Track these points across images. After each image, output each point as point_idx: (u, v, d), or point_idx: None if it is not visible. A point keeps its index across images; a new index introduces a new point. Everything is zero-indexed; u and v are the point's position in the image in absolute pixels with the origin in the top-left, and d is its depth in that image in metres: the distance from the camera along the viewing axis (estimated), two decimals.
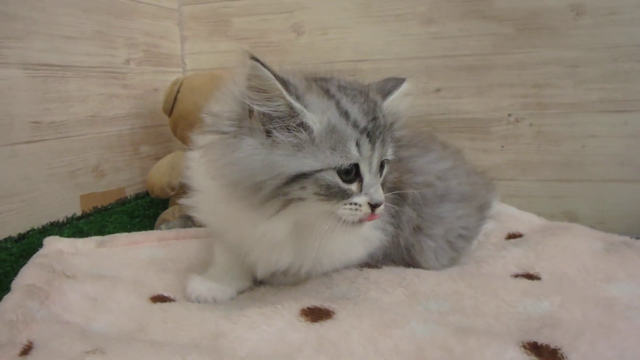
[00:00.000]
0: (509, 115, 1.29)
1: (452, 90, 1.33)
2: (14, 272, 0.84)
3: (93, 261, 0.84)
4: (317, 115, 0.59)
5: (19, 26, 1.00)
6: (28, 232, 1.01)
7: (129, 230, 1.12)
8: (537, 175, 1.29)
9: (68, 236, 1.04)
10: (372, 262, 0.77)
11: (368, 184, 0.61)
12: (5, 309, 0.61)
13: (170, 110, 1.30)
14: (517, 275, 0.71)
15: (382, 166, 0.65)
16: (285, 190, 0.58)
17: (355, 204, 0.60)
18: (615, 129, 1.21)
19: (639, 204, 1.21)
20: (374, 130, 0.61)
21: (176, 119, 1.30)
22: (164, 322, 0.61)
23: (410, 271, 0.77)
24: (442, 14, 1.32)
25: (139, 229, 1.16)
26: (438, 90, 1.35)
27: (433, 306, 0.62)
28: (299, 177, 0.58)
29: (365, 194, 0.61)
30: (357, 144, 0.60)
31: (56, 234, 1.01)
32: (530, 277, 0.70)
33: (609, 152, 1.22)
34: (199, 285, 0.72)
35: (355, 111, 0.61)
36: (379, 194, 0.61)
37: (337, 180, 0.59)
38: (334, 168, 0.59)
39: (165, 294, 0.71)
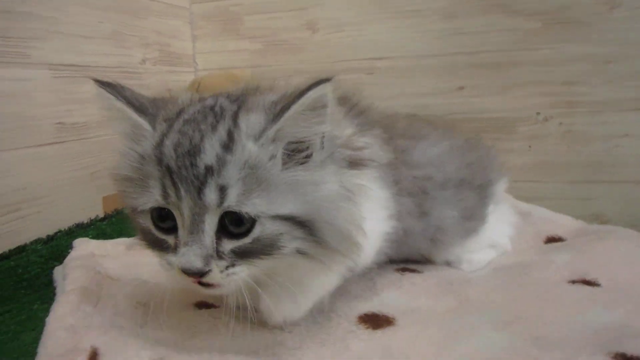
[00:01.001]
0: (538, 114, 1.28)
1: (476, 88, 1.32)
2: (44, 274, 0.89)
3: (128, 264, 0.83)
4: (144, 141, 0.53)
5: (42, 26, 1.00)
6: (55, 233, 1.02)
7: None
8: (565, 176, 1.28)
9: (92, 238, 1.05)
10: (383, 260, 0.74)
11: (180, 240, 0.51)
12: (64, 313, 0.61)
13: None
14: (573, 282, 0.69)
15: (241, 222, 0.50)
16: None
17: (170, 263, 0.51)
18: None
19: None
20: (182, 169, 0.49)
21: None
22: (216, 328, 0.60)
23: (455, 276, 0.75)
24: (464, 8, 1.30)
25: None
26: (461, 88, 1.34)
27: (492, 314, 0.60)
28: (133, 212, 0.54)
29: (176, 252, 0.51)
30: (162, 184, 0.50)
31: (82, 236, 1.02)
32: (588, 283, 0.68)
33: None
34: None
35: (169, 142, 0.51)
36: (187, 257, 0.49)
37: (148, 224, 0.53)
38: (139, 209, 0.52)
39: (209, 301, 0.70)
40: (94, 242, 0.95)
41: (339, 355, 0.53)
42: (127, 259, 0.88)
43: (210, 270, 0.50)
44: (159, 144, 0.51)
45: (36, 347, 0.66)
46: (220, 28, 1.55)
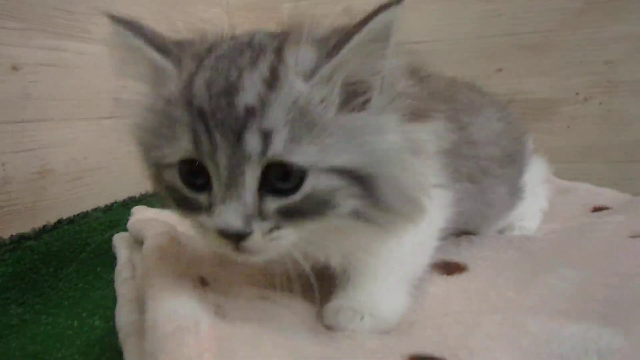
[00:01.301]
0: (577, 94, 1.30)
1: (515, 70, 1.34)
2: (105, 241, 0.92)
3: (189, 229, 0.88)
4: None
5: (100, 4, 1.05)
6: (112, 204, 1.07)
7: None
8: (605, 157, 1.29)
9: None
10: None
11: (216, 197, 0.43)
12: (163, 244, 0.63)
13: None
14: (635, 237, 0.70)
15: (288, 177, 0.43)
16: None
17: (204, 224, 0.44)
18: None
19: None
20: (216, 111, 0.42)
21: None
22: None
23: (511, 236, 0.79)
24: None
25: None
26: (499, 70, 1.36)
27: (560, 261, 0.63)
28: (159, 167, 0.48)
29: (211, 211, 0.43)
30: (193, 130, 0.43)
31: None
32: None
33: None
34: None
35: (200, 81, 0.44)
36: (224, 217, 0.42)
37: (177, 181, 0.46)
38: (165, 162, 0.45)
39: None
40: (152, 209, 1.00)
41: (421, 298, 0.54)
42: (187, 225, 0.93)
43: (251, 233, 0.42)
44: (188, 84, 0.44)
45: (107, 304, 0.73)
46: (257, 16, 1.59)
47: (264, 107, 0.41)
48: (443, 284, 0.59)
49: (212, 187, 0.43)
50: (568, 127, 1.32)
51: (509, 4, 1.33)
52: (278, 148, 0.41)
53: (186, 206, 0.46)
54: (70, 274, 0.84)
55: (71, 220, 0.96)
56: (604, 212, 0.91)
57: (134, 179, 1.16)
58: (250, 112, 0.41)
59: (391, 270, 0.53)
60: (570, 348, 0.40)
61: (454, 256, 0.67)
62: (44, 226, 0.89)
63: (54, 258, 0.84)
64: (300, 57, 0.43)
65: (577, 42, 1.28)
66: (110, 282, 0.80)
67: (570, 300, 0.49)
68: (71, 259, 0.87)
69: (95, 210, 1.02)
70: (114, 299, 0.73)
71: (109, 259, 0.89)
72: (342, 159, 0.42)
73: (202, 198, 0.44)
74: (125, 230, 0.95)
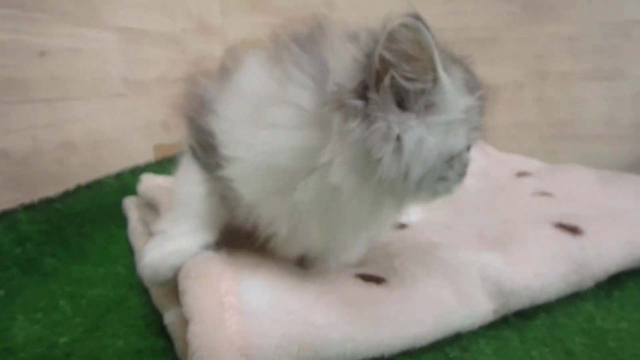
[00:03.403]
0: (514, 81, 1.45)
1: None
2: (116, 204, 1.01)
3: None
4: (456, 88, 0.48)
5: None
6: (122, 171, 1.13)
7: None
8: (537, 133, 1.45)
9: None
10: None
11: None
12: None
13: None
14: (535, 194, 0.87)
15: None
16: (441, 172, 0.48)
17: (464, 176, 0.52)
18: (602, 94, 1.38)
19: (619, 156, 1.39)
20: (483, 98, 0.51)
21: None
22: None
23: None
24: None
25: None
26: None
27: (479, 214, 0.78)
28: (453, 157, 0.48)
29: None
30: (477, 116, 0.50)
31: (140, 175, 1.10)
32: (546, 194, 0.86)
33: (596, 114, 1.39)
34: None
35: (470, 78, 0.51)
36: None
37: (467, 155, 0.51)
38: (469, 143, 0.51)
39: None
40: (159, 177, 1.06)
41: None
42: None
43: None
44: (467, 82, 0.50)
45: (125, 254, 0.81)
46: (247, 3, 1.65)
47: None
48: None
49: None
50: (507, 109, 1.47)
51: (463, 4, 1.44)
52: None
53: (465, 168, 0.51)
54: (90, 231, 0.90)
55: (88, 186, 1.01)
56: (525, 176, 1.06)
57: (139, 150, 1.26)
58: None
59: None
60: (464, 264, 0.55)
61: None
62: (66, 191, 0.95)
63: (76, 218, 0.90)
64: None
65: (515, 38, 1.42)
66: (124, 238, 0.89)
67: (471, 240, 0.63)
68: (90, 219, 0.93)
69: (108, 177, 1.08)
70: (130, 251, 0.82)
71: (121, 220, 0.96)
72: None
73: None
74: (133, 194, 1.02)
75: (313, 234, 0.53)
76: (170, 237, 0.56)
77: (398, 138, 0.44)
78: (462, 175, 0.51)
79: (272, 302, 0.47)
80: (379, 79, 0.45)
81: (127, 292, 0.69)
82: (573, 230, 0.63)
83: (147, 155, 1.29)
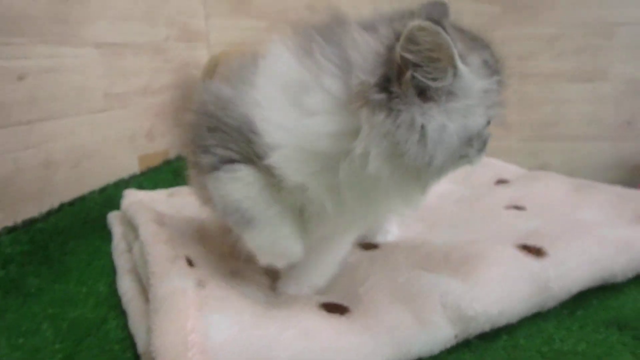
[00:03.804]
0: None
1: None
2: (101, 218, 1.01)
3: (174, 206, 0.98)
4: (475, 74, 0.49)
5: (91, 10, 1.11)
6: (106, 186, 1.15)
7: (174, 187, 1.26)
8: (518, 134, 1.47)
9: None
10: None
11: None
12: (155, 231, 0.71)
13: None
14: (508, 207, 0.89)
15: None
16: (461, 152, 0.50)
17: (485, 150, 0.54)
18: (584, 95, 1.39)
19: (601, 157, 1.41)
20: (504, 72, 0.56)
21: None
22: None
23: (427, 207, 0.94)
24: None
25: (183, 186, 1.30)
26: None
27: (448, 230, 0.80)
28: (472, 137, 0.50)
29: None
30: (497, 92, 0.53)
31: (125, 189, 1.12)
32: (518, 207, 0.88)
33: (578, 115, 1.40)
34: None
35: (489, 57, 0.53)
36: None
37: (487, 130, 0.53)
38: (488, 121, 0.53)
39: None
40: (141, 192, 1.08)
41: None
42: (171, 203, 1.01)
43: None
44: (487, 63, 0.52)
45: (108, 271, 0.82)
46: (231, 7, 1.66)
47: None
48: (359, 253, 0.73)
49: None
50: None
51: None
52: None
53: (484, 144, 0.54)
54: (74, 248, 0.90)
55: (71, 203, 1.03)
56: (503, 184, 1.08)
57: (124, 163, 1.27)
58: None
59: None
60: (426, 290, 0.57)
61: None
62: (49, 209, 0.97)
63: (60, 236, 0.91)
64: None
65: (496, 39, 1.41)
66: (108, 253, 0.89)
67: (436, 261, 0.65)
68: (74, 235, 0.93)
69: (92, 192, 1.10)
70: (113, 268, 0.83)
71: (106, 234, 0.96)
72: None
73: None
74: (117, 207, 1.02)
75: (355, 209, 0.55)
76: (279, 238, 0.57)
77: (422, 127, 0.47)
78: (481, 150, 0.53)
79: (236, 339, 0.49)
80: (400, 73, 0.47)
81: (107, 314, 0.70)
82: (537, 251, 0.65)
83: (132, 167, 1.30)
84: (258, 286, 0.64)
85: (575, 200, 0.88)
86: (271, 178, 0.54)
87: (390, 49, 0.47)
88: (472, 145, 0.51)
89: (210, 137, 0.56)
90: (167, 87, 1.46)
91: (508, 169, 1.18)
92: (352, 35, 0.50)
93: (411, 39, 0.46)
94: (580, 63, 1.36)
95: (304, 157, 0.52)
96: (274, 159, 0.52)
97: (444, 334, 0.55)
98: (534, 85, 1.41)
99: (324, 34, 0.53)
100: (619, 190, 0.92)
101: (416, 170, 0.49)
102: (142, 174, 1.32)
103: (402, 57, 0.46)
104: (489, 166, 1.21)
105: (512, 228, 0.75)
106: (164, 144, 1.45)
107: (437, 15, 0.58)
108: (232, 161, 0.55)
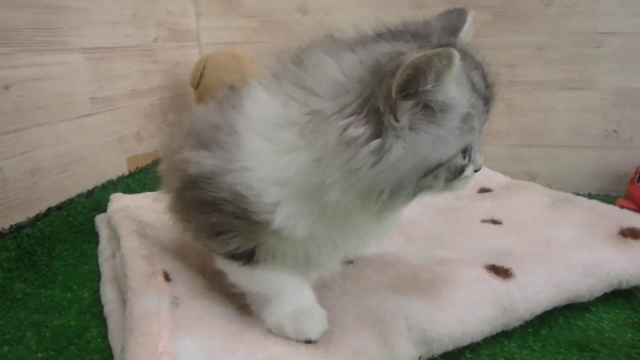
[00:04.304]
0: None
1: None
2: (89, 221, 1.04)
3: (158, 212, 1.00)
4: (462, 93, 0.48)
5: (78, 17, 1.12)
6: (93, 189, 1.16)
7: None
8: (506, 141, 1.48)
9: (122, 192, 1.16)
10: None
11: (475, 151, 0.53)
12: (135, 246, 0.72)
13: (196, 84, 1.45)
14: (485, 221, 0.91)
15: None
16: (420, 184, 0.49)
17: (467, 177, 0.53)
18: (572, 103, 1.40)
19: (586, 165, 1.43)
20: (491, 94, 0.53)
21: (202, 92, 1.45)
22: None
23: (406, 217, 0.96)
24: (431, 1, 1.45)
25: None
26: None
27: (423, 245, 0.83)
28: (437, 168, 0.49)
29: (472, 161, 0.53)
30: (479, 116, 0.51)
31: (113, 191, 1.15)
32: (494, 222, 0.90)
33: (565, 123, 1.42)
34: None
35: (477, 79, 0.51)
36: (482, 158, 0.54)
37: (461, 160, 0.51)
38: (462, 149, 0.50)
39: None
40: (127, 196, 1.09)
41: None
42: (155, 209, 1.04)
43: None
44: (473, 85, 0.50)
45: (93, 277, 0.83)
46: (222, 7, 1.65)
47: None
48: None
49: (472, 147, 0.52)
50: None
51: (434, 11, 1.44)
52: None
53: (457, 173, 0.52)
54: (61, 252, 0.92)
55: (59, 207, 1.03)
56: (485, 194, 1.10)
57: (112, 166, 1.29)
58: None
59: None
60: (392, 313, 0.59)
61: None
62: (37, 215, 0.98)
63: (47, 241, 0.92)
64: None
65: (486, 47, 1.42)
66: (95, 257, 0.91)
67: (405, 281, 0.67)
68: (61, 239, 0.95)
69: (79, 196, 1.10)
70: (98, 273, 0.85)
71: (93, 236, 0.98)
72: None
73: (467, 160, 0.52)
74: (105, 211, 1.02)
75: (346, 241, 0.57)
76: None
77: (382, 151, 0.46)
78: (451, 180, 0.51)
79: None
80: (365, 101, 0.46)
81: (90, 322, 0.73)
82: (505, 273, 0.67)
83: (120, 169, 1.31)
84: (232, 302, 0.66)
85: (552, 217, 0.90)
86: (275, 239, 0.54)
87: (352, 78, 0.47)
88: (438, 177, 0.50)
89: (204, 214, 0.57)
90: (156, 89, 1.47)
91: (492, 178, 1.20)
92: (317, 61, 0.51)
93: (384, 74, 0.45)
94: (569, 72, 1.37)
95: (302, 203, 0.52)
96: (277, 222, 0.52)
97: (408, 356, 0.57)
98: (522, 92, 1.43)
99: (297, 59, 0.53)
100: (597, 206, 0.95)
101: (372, 199, 0.48)
102: (131, 175, 1.33)
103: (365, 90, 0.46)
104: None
105: (484, 246, 0.78)
106: (153, 145, 1.47)
107: (455, 23, 0.60)
108: (236, 256, 0.58)
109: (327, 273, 0.64)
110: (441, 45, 0.49)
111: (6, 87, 0.92)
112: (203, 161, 0.54)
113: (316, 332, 0.57)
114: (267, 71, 0.56)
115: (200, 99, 1.48)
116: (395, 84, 0.44)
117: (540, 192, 1.03)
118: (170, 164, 0.64)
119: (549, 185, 1.16)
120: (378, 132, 0.46)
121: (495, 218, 0.92)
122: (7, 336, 0.70)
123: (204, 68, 1.43)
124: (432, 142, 0.48)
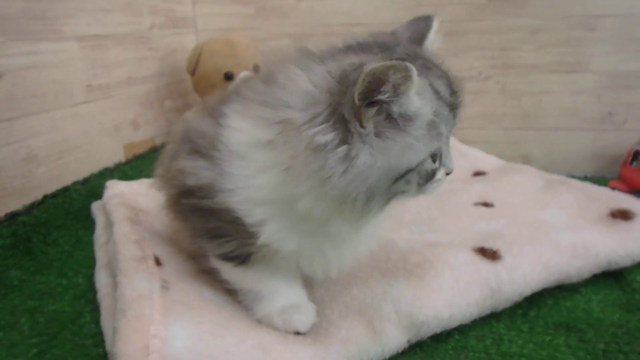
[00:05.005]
0: (479, 73, 1.44)
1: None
2: (84, 208, 1.02)
3: (152, 200, 0.99)
4: (425, 103, 0.49)
5: (72, 5, 1.10)
6: (89, 176, 1.15)
7: None
8: (500, 124, 1.46)
9: (118, 179, 1.14)
10: None
11: (445, 155, 0.54)
12: (126, 232, 0.72)
13: (193, 71, 1.43)
14: (477, 204, 0.90)
15: None
16: (392, 189, 0.49)
17: (439, 180, 0.53)
18: (566, 86, 1.37)
19: (581, 148, 1.41)
20: (457, 102, 0.54)
21: (198, 79, 1.43)
22: None
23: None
24: None
25: None
26: None
27: (415, 228, 0.81)
28: (407, 173, 0.49)
29: (443, 165, 0.54)
30: (446, 122, 0.52)
31: (109, 178, 1.12)
32: (486, 205, 0.89)
33: (560, 106, 1.39)
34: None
35: (442, 87, 0.52)
36: (452, 161, 0.55)
37: (431, 164, 0.51)
38: (431, 154, 0.51)
39: None
40: (123, 182, 1.07)
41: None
42: (151, 195, 1.04)
43: None
44: (437, 92, 0.51)
45: (88, 263, 0.82)
46: (220, 6, 1.62)
47: None
48: None
49: (442, 152, 0.52)
50: (472, 99, 1.46)
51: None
52: None
53: (429, 178, 0.52)
54: (57, 239, 0.91)
55: (55, 195, 1.02)
56: (479, 177, 1.08)
57: (109, 153, 1.27)
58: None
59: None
60: (379, 299, 0.59)
61: None
62: (33, 202, 0.97)
63: (43, 228, 0.92)
64: None
65: (480, 31, 1.40)
66: (91, 243, 0.90)
67: (393, 264, 0.66)
68: (57, 226, 0.94)
69: (75, 183, 1.09)
70: (93, 260, 0.83)
71: (89, 223, 0.97)
72: None
73: (437, 163, 0.52)
74: (101, 197, 1.00)
75: (337, 253, 0.58)
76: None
77: (350, 158, 0.46)
78: (423, 184, 0.52)
79: (194, 348, 0.50)
80: (334, 110, 0.46)
81: (83, 307, 0.72)
82: (493, 255, 0.66)
83: (117, 157, 1.30)
84: (222, 287, 0.65)
85: (543, 199, 0.89)
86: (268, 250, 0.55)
87: (321, 88, 0.47)
88: (410, 182, 0.50)
89: (200, 219, 0.58)
90: (152, 76, 1.45)
91: (486, 161, 1.19)
92: (288, 74, 0.51)
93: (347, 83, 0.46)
94: (563, 54, 1.34)
95: (286, 219, 0.53)
96: (263, 238, 0.53)
97: (396, 341, 0.56)
98: (517, 76, 1.40)
99: (266, 78, 0.54)
100: (588, 187, 0.93)
101: (347, 207, 0.49)
102: (127, 162, 1.31)
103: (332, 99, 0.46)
104: (467, 155, 1.21)
105: (474, 229, 0.76)
106: (149, 132, 1.45)
107: (421, 31, 0.61)
108: (230, 258, 0.59)
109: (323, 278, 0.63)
110: (402, 58, 0.49)
111: (0, 76, 0.90)
112: (200, 172, 0.55)
113: (305, 325, 0.58)
114: (239, 97, 0.56)
115: (196, 85, 1.46)
116: (357, 91, 0.45)
117: (533, 174, 1.01)
118: (167, 171, 0.64)
119: (544, 168, 1.14)
120: (345, 138, 0.46)
121: (488, 201, 0.90)
122: (2, 322, 0.69)
123: (199, 55, 1.40)
124: (400, 149, 0.48)
